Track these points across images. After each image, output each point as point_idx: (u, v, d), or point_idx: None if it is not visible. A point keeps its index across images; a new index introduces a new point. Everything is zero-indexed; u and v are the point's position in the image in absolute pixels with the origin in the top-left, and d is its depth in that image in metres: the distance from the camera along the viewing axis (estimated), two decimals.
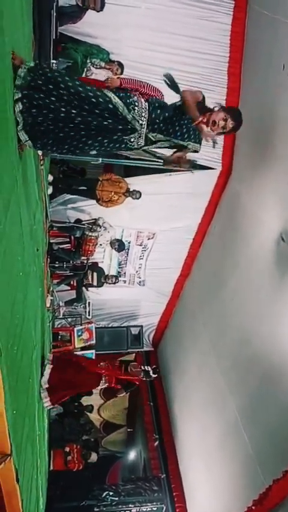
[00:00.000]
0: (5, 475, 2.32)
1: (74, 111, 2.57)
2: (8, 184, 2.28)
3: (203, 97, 2.89)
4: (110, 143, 2.75)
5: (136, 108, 2.71)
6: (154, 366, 5.51)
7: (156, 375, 5.37)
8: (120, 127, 2.70)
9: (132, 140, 2.77)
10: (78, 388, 5.43)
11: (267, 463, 4.54)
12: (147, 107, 2.75)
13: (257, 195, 5.51)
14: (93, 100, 2.59)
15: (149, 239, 7.57)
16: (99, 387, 5.05)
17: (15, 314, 2.50)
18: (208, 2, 5.57)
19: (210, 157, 6.36)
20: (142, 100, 2.78)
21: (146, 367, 5.31)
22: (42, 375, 4.46)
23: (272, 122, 5.01)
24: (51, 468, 6.72)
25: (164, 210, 7.04)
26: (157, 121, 2.77)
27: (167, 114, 2.80)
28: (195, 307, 7.48)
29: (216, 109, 2.85)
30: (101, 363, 5.05)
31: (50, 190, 6.10)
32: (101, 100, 2.61)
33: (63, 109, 2.55)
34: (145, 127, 2.74)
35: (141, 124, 2.73)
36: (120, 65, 5.27)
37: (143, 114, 2.73)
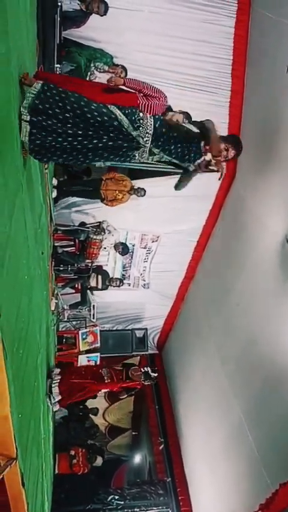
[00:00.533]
0: (11, 478, 2.33)
1: (80, 133, 2.64)
2: (13, 188, 2.29)
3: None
4: (115, 157, 2.84)
5: (141, 125, 2.77)
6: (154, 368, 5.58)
7: (156, 374, 5.42)
8: (125, 144, 2.78)
9: (136, 154, 2.85)
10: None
11: (273, 466, 4.51)
12: (152, 123, 2.80)
13: (261, 197, 5.50)
14: (98, 119, 2.65)
15: (153, 242, 7.57)
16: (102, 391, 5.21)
17: (21, 317, 2.50)
18: (211, 5, 5.57)
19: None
20: (148, 115, 2.84)
21: (145, 368, 5.37)
22: (50, 392, 4.58)
23: (276, 124, 5.00)
24: (56, 471, 6.70)
25: (168, 212, 7.03)
26: (161, 139, 2.83)
27: (170, 134, 2.85)
28: (200, 310, 7.46)
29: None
30: (103, 369, 5.10)
31: (54, 194, 6.11)
32: (106, 118, 2.67)
33: (70, 132, 2.62)
34: (149, 142, 2.81)
35: (146, 140, 2.80)
36: (124, 68, 5.28)
37: (148, 130, 2.78)
